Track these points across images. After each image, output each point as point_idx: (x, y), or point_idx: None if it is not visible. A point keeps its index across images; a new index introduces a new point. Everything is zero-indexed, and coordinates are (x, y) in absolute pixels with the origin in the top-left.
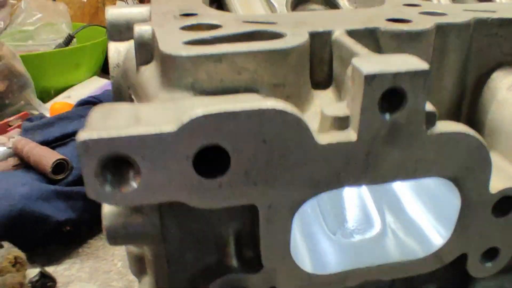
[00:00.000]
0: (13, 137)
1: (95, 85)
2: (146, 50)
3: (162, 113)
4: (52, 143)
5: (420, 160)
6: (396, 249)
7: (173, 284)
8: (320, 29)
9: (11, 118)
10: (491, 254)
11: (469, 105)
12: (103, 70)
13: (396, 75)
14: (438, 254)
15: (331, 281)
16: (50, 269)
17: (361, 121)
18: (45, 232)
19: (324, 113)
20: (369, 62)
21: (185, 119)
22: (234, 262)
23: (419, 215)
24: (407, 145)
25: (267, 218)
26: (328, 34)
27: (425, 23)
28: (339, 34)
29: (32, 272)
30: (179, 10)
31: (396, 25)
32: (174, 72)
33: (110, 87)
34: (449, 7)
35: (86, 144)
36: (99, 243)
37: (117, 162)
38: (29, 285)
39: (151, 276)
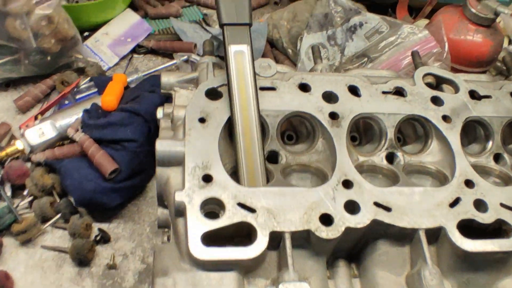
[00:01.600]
0: (78, 129)
1: (129, 21)
2: (181, 212)
3: None
4: (105, 142)
5: None
6: None
7: None
8: (278, 229)
9: (67, 90)
10: None
11: None
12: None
13: None
14: None
15: None
16: (105, 226)
17: None
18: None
19: None
20: None
21: None
22: None
23: None
24: None
25: None
26: (281, 233)
27: (339, 229)
28: (287, 236)
29: (94, 228)
30: (202, 167)
31: (321, 229)
32: (192, 258)
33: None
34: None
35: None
36: (134, 208)
37: None
38: (95, 242)
39: None
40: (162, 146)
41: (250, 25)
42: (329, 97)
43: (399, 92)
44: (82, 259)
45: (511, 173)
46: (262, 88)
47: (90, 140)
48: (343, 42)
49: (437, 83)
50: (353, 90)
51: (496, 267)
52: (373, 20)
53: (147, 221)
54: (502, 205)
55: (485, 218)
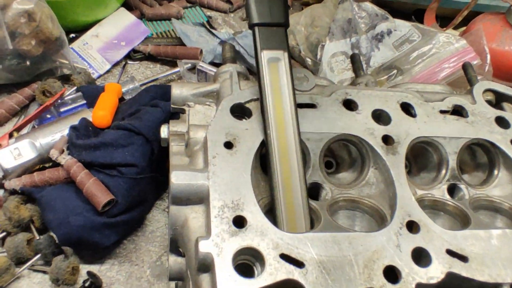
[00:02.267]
0: (63, 151)
1: (123, 21)
2: (206, 267)
3: None
4: (97, 166)
5: None
6: None
7: None
8: None
9: (49, 101)
10: None
11: None
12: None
13: None
14: None
15: None
16: (95, 268)
17: None
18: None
19: None
20: None
21: None
22: None
23: None
24: None
25: None
26: None
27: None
28: None
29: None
30: (232, 206)
31: None
32: None
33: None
34: None
35: None
36: (131, 246)
37: None
38: None
39: None
40: (180, 178)
41: (286, 26)
42: (380, 116)
43: (458, 111)
44: None
45: None
46: (300, 105)
47: (79, 164)
48: (369, 51)
49: (497, 100)
50: (407, 109)
51: None
52: (403, 27)
53: (147, 261)
54: None
55: None
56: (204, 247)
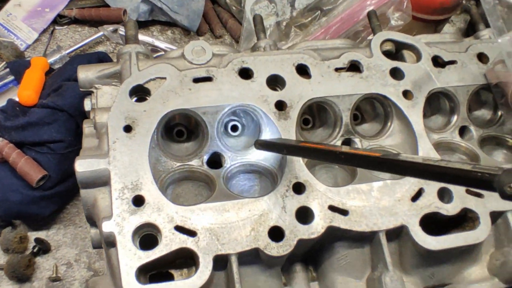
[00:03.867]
0: None
1: None
2: (112, 244)
3: None
4: (27, 145)
5: None
6: None
7: None
8: (223, 252)
9: None
10: None
11: None
12: None
13: None
14: None
15: None
16: (43, 234)
17: None
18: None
19: None
20: None
21: None
22: None
23: None
24: None
25: None
26: (226, 255)
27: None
28: (233, 259)
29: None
30: (132, 187)
31: (271, 246)
32: None
33: None
34: None
35: None
36: (74, 210)
37: None
38: (32, 255)
39: None
40: (83, 166)
41: None
42: (275, 81)
43: (354, 66)
44: (20, 277)
45: (476, 149)
46: (196, 80)
47: (10, 145)
48: None
49: (397, 49)
50: (303, 70)
51: (461, 258)
52: None
53: None
54: (468, 191)
55: (449, 209)
56: (107, 227)
